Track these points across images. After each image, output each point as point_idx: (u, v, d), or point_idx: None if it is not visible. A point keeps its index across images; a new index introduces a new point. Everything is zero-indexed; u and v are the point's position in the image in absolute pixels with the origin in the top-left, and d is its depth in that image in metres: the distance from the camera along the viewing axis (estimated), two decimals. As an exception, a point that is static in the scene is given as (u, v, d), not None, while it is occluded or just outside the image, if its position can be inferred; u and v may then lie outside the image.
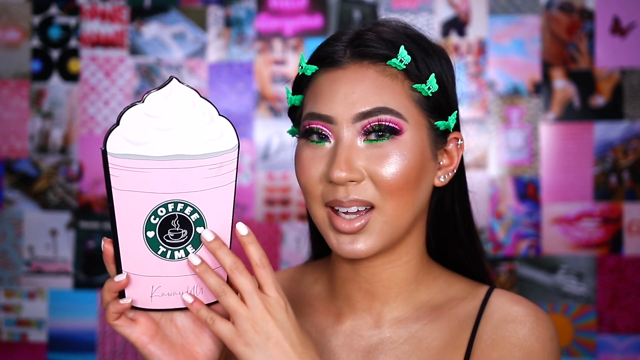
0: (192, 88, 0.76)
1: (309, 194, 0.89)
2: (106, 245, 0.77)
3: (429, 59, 0.90)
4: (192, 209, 0.77)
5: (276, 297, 0.78)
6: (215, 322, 0.77)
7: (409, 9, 1.85)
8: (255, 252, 0.79)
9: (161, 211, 0.76)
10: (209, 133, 0.75)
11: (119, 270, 0.77)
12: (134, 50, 1.88)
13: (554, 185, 1.80)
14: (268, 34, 1.87)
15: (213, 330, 0.78)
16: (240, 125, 1.86)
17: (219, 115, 0.77)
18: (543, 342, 0.88)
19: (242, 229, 0.79)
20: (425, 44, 0.92)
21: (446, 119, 0.91)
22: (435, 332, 0.92)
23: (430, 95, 0.88)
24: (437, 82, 0.89)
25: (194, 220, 0.77)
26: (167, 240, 0.77)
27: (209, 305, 0.80)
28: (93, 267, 1.86)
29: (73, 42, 1.88)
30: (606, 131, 1.79)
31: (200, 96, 0.76)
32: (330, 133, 0.88)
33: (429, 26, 1.83)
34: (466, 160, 1.84)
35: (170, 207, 0.76)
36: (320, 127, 0.88)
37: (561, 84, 1.80)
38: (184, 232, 0.77)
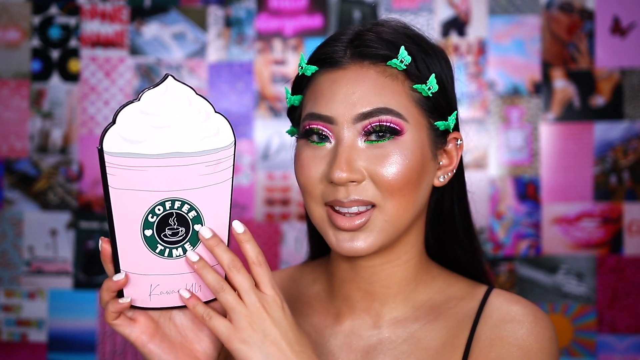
0: (187, 85, 0.76)
1: (309, 194, 0.89)
2: (104, 244, 0.77)
3: (429, 59, 0.90)
4: (189, 207, 0.77)
5: (273, 294, 0.78)
6: (212, 319, 0.77)
7: (409, 9, 1.85)
8: (251, 250, 0.79)
9: (158, 209, 0.76)
10: (205, 130, 0.75)
11: (117, 270, 0.77)
12: (134, 50, 1.88)
13: (554, 185, 1.80)
14: (268, 34, 1.87)
15: (209, 327, 0.77)
16: (240, 125, 1.86)
17: (215, 112, 0.77)
18: (541, 342, 0.88)
19: (238, 227, 0.78)
20: (425, 44, 0.92)
21: (446, 119, 0.91)
22: (433, 332, 0.92)
23: (431, 95, 0.88)
24: (437, 83, 0.89)
25: (191, 217, 0.77)
26: (164, 239, 0.77)
27: (207, 303, 0.80)
28: (93, 267, 1.86)
29: (73, 42, 1.88)
30: (606, 131, 1.78)
31: (196, 93, 0.76)
32: (330, 133, 0.88)
33: (429, 26, 1.83)
34: (466, 160, 1.84)
35: (168, 205, 0.76)
36: (321, 127, 0.88)
37: (561, 84, 1.80)
38: (181, 230, 0.77)
